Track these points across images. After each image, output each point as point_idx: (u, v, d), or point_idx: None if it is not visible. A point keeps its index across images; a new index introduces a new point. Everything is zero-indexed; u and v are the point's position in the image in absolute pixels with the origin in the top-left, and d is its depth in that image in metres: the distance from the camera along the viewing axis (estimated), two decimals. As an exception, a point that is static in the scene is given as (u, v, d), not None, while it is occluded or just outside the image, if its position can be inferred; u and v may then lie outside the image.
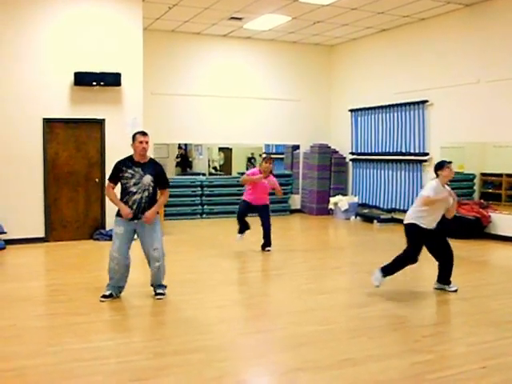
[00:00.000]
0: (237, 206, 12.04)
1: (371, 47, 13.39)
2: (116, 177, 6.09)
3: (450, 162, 6.51)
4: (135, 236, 6.25)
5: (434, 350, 4.77)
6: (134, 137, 6.13)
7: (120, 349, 4.75)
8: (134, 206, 6.03)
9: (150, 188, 6.08)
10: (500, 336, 5.08)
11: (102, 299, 6.10)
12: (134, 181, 6.01)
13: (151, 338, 5.09)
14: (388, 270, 6.44)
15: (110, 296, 6.15)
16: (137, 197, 6.02)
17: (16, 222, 9.53)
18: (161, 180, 6.21)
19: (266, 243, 9.12)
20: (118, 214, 6.11)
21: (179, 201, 12.92)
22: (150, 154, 12.77)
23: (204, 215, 13.22)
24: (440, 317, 5.86)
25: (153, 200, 6.13)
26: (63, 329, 5.26)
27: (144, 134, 6.15)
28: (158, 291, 6.30)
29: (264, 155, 8.97)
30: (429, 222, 6.34)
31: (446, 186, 6.48)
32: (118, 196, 6.16)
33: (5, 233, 9.34)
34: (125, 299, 6.26)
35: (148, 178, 6.05)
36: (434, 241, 6.46)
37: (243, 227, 9.07)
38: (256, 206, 8.98)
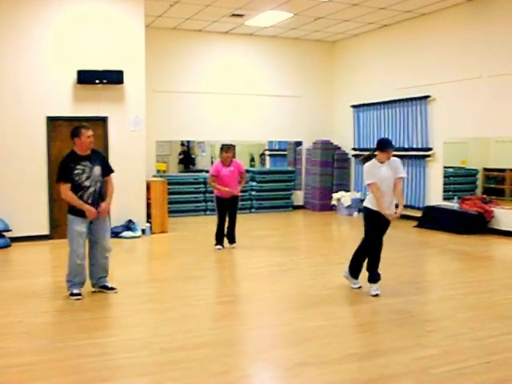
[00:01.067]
0: (240, 203, 12.11)
1: (373, 43, 13.39)
2: (69, 175, 5.98)
3: (392, 147, 6.29)
4: None
5: (438, 344, 4.79)
6: (78, 132, 6.00)
7: (126, 345, 4.78)
8: (90, 200, 6.06)
9: (101, 178, 6.16)
10: (504, 331, 5.10)
11: (76, 297, 6.07)
12: (85, 175, 6.02)
13: (157, 333, 5.12)
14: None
15: (80, 294, 6.14)
16: (91, 190, 6.05)
17: (21, 219, 9.57)
18: (106, 167, 6.25)
19: (232, 239, 9.10)
20: (74, 213, 6.05)
21: (182, 198, 12.95)
22: (153, 150, 12.90)
23: (207, 212, 13.23)
24: (444, 312, 5.87)
25: (100, 193, 6.21)
26: (69, 325, 5.30)
27: (89, 128, 6.09)
28: (110, 285, 6.33)
29: (223, 146, 9.06)
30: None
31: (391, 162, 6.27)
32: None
33: (10, 230, 9.39)
34: (129, 296, 6.30)
35: (98, 169, 6.10)
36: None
37: (222, 237, 9.04)
38: (227, 198, 8.90)
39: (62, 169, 6.02)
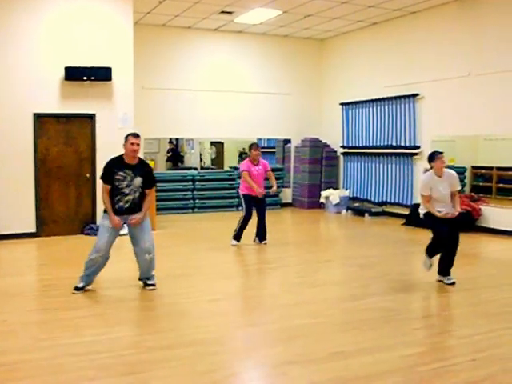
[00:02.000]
0: (228, 201, 12.09)
1: (362, 41, 13.40)
2: (110, 178, 6.08)
3: (441, 153, 6.57)
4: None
5: (425, 342, 4.80)
6: (126, 137, 6.15)
7: (112, 343, 4.74)
8: (127, 205, 6.13)
9: (140, 189, 6.18)
10: (491, 328, 5.12)
11: (75, 291, 6.13)
12: (126, 183, 6.08)
13: (144, 332, 5.10)
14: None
15: (83, 288, 6.19)
16: (129, 197, 6.12)
17: (7, 217, 9.49)
18: (148, 180, 6.27)
19: (263, 236, 9.17)
20: (116, 213, 6.13)
21: (171, 195, 12.92)
22: (141, 148, 12.81)
23: (195, 209, 13.22)
24: (431, 309, 5.90)
25: (142, 199, 6.22)
26: (55, 324, 5.26)
27: (136, 136, 6.17)
28: (150, 282, 6.38)
29: (252, 144, 9.14)
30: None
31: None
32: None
33: (-4, 228, 9.34)
34: (117, 293, 6.27)
35: (139, 180, 6.13)
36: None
37: (241, 234, 9.05)
38: (254, 197, 8.96)
39: (105, 171, 6.14)
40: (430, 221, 6.62)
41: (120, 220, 6.08)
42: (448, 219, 6.49)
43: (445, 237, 6.47)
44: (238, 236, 9.06)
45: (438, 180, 6.48)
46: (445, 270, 6.68)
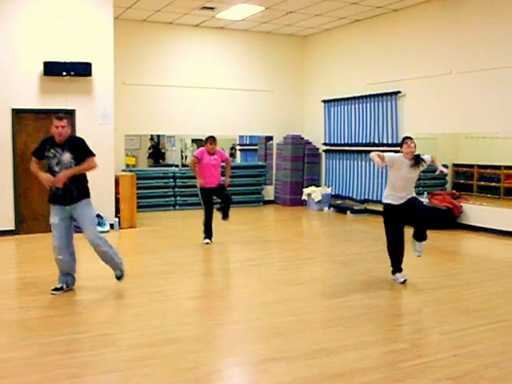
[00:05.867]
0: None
1: (344, 38, 13.41)
2: (40, 152, 6.08)
3: (408, 138, 6.56)
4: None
5: (407, 338, 4.81)
6: (52, 120, 6.05)
7: (93, 341, 4.69)
8: (60, 186, 5.98)
9: (72, 165, 6.00)
10: (471, 324, 5.15)
11: (54, 292, 6.04)
12: (55, 160, 6.00)
13: (125, 330, 5.04)
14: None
15: (61, 289, 6.10)
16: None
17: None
18: (81, 152, 6.06)
19: (226, 213, 9.08)
20: (51, 201, 6.06)
21: (152, 192, 12.83)
22: (122, 144, 12.73)
23: (177, 206, 13.15)
24: (414, 306, 5.90)
25: (78, 179, 6.04)
26: (35, 322, 5.20)
27: (60, 118, 6.03)
28: (116, 275, 6.39)
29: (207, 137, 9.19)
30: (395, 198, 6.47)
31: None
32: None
33: (-27, 225, 9.20)
34: (97, 291, 6.21)
35: (67, 156, 5.98)
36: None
37: (211, 231, 9.00)
38: (212, 188, 8.92)
39: (38, 146, 6.16)
40: (384, 217, 6.61)
41: (48, 175, 5.93)
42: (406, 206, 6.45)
43: (393, 244, 6.58)
44: (206, 235, 8.96)
45: (407, 162, 6.40)
46: (419, 235, 6.56)
